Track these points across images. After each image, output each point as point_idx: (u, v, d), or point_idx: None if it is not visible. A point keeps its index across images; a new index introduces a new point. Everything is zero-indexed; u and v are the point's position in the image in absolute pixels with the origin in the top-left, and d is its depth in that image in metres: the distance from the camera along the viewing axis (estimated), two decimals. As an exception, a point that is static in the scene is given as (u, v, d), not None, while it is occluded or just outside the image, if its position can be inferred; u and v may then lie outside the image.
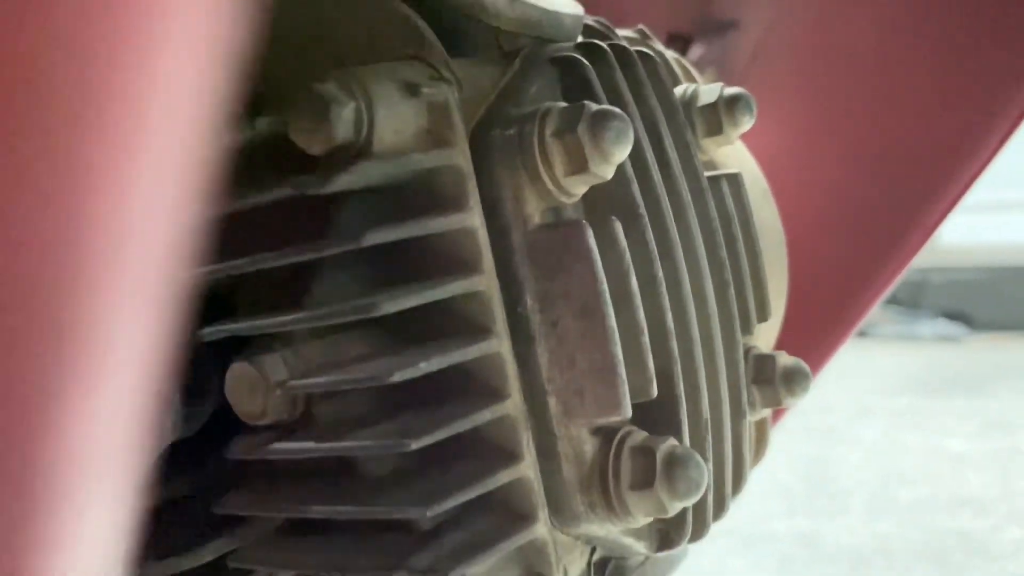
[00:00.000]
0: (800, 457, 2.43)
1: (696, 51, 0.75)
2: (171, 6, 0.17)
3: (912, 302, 3.95)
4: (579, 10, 0.48)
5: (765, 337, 0.56)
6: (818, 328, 0.75)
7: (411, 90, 0.37)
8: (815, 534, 1.99)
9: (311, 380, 0.38)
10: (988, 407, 2.84)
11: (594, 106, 0.38)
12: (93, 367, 0.18)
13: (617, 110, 0.38)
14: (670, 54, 0.57)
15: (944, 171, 0.72)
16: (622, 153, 0.38)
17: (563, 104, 0.39)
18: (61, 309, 0.17)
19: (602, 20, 0.52)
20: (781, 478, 2.27)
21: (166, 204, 0.19)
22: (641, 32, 0.56)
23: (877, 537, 1.96)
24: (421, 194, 0.38)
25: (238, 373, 0.39)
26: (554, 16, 0.45)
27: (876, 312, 0.84)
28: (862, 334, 0.81)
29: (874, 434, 2.66)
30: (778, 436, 0.62)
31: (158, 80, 0.17)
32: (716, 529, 0.46)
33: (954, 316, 4.01)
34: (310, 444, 0.38)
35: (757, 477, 0.53)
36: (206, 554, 0.42)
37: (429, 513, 0.36)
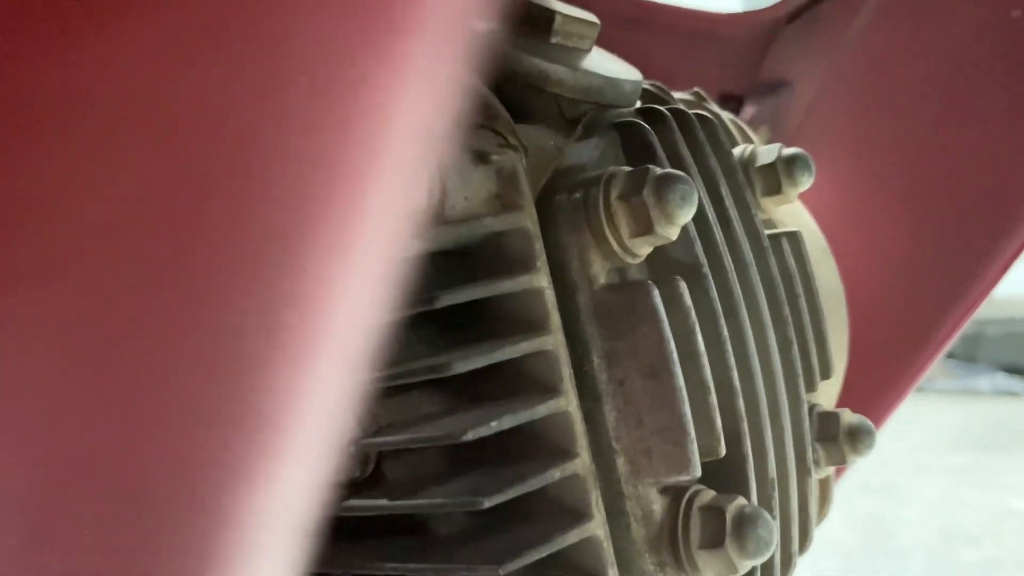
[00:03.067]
0: (857, 514, 2.37)
1: (749, 111, 0.76)
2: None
3: (969, 355, 3.87)
4: (637, 76, 0.49)
5: (827, 394, 0.56)
6: (878, 384, 0.74)
7: (481, 158, 0.39)
8: (875, 595, 1.94)
9: (385, 438, 0.38)
10: (1052, 464, 2.75)
11: (658, 170, 0.39)
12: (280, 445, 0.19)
13: (681, 173, 0.39)
14: (725, 115, 0.58)
15: (1003, 222, 0.72)
16: (687, 215, 0.39)
17: (628, 168, 0.40)
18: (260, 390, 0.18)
19: (659, 84, 0.53)
20: (838, 535, 2.22)
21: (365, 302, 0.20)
22: (697, 94, 0.57)
23: (940, 599, 1.90)
24: (490, 256, 0.39)
25: (312, 432, 0.40)
26: (614, 83, 0.46)
27: (932, 366, 0.83)
28: (918, 388, 0.80)
29: (933, 491, 2.59)
30: (834, 492, 0.61)
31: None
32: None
33: (1012, 369, 3.91)
34: (383, 501, 0.38)
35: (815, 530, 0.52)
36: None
37: (502, 572, 0.36)
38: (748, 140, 0.58)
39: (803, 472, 0.47)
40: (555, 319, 0.39)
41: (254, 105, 0.16)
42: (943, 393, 3.66)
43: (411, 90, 0.18)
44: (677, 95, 0.55)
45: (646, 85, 0.51)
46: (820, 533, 0.55)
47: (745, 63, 0.75)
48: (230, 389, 0.18)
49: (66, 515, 0.17)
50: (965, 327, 0.77)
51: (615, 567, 0.39)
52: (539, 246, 0.39)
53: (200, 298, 0.17)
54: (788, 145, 0.53)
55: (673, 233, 0.39)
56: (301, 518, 0.21)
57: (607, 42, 0.50)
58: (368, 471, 0.41)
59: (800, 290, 0.49)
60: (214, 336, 0.17)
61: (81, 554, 0.18)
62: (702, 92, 0.57)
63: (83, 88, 0.15)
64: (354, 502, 0.39)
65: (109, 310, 0.16)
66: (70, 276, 0.16)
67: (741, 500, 0.40)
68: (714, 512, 0.39)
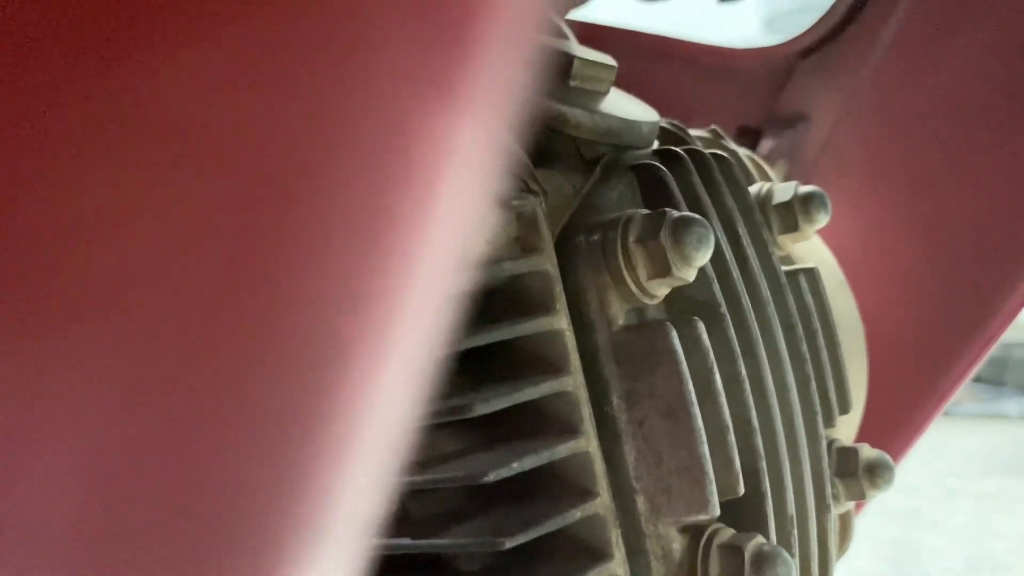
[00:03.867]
0: (883, 542, 2.35)
1: (766, 144, 0.77)
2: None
3: (995, 379, 3.82)
4: (654, 117, 0.50)
5: (847, 429, 0.56)
6: (901, 413, 0.74)
7: (501, 203, 0.40)
8: (903, 624, 1.91)
9: (408, 478, 0.39)
10: (1083, 489, 2.71)
11: (675, 213, 0.40)
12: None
13: (698, 216, 0.40)
14: (742, 151, 0.59)
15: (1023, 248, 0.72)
16: (704, 257, 0.39)
17: (645, 211, 0.41)
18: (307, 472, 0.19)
19: (676, 123, 0.54)
20: (863, 564, 2.19)
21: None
22: (714, 132, 0.58)
23: (970, 628, 1.87)
24: (511, 298, 0.40)
25: (337, 470, 0.41)
26: (632, 125, 0.47)
27: (958, 391, 0.83)
28: (944, 413, 0.80)
29: (961, 518, 2.56)
30: (859, 520, 0.61)
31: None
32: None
33: (1041, 393, 3.86)
34: (406, 540, 0.39)
35: (838, 563, 0.52)
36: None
37: (523, 611, 0.36)
38: (765, 176, 0.58)
39: (822, 509, 0.47)
40: (575, 360, 0.40)
41: (321, 152, 0.17)
42: (970, 417, 3.62)
43: (467, 141, 0.19)
44: (694, 133, 0.56)
45: (663, 124, 0.52)
46: (846, 561, 0.55)
47: (763, 97, 0.76)
48: (284, 431, 0.19)
49: (111, 545, 0.18)
50: (991, 350, 0.76)
51: (635, 606, 0.39)
52: (559, 288, 0.40)
53: (264, 332, 0.17)
54: (806, 178, 0.53)
55: (690, 275, 0.40)
56: (358, 552, 0.22)
57: (626, 76, 0.51)
58: (392, 509, 0.42)
59: (818, 326, 0.49)
60: (275, 371, 0.18)
61: None
62: (719, 130, 0.58)
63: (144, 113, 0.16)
64: (379, 540, 0.40)
65: (159, 349, 0.17)
66: (123, 309, 0.16)
67: (760, 539, 0.40)
68: (733, 551, 0.39)
